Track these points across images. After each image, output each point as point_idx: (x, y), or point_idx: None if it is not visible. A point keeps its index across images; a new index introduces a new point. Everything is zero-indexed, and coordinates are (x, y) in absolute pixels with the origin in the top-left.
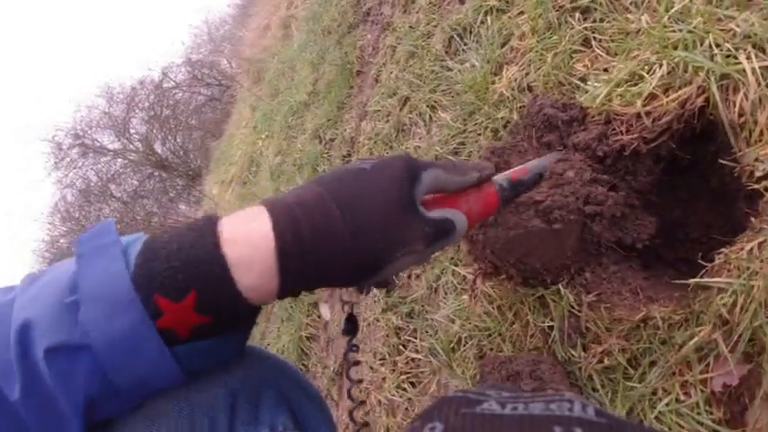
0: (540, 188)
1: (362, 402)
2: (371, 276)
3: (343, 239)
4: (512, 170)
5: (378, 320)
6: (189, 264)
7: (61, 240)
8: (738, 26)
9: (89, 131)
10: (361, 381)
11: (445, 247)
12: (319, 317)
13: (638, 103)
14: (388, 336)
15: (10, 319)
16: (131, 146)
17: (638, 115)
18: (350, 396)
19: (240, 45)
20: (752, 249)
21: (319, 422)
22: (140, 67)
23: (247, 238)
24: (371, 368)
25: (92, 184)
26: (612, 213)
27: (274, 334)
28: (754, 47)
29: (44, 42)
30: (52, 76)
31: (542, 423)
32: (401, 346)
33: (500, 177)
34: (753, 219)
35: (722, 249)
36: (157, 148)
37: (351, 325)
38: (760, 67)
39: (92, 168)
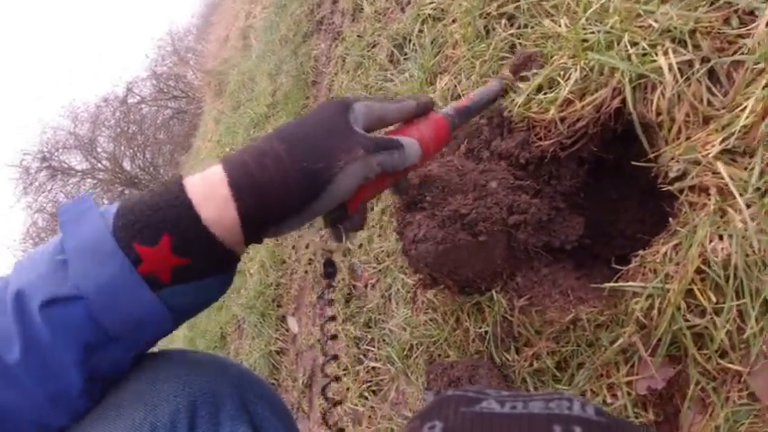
0: (465, 200)
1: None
2: (323, 191)
3: (284, 164)
4: (457, 102)
5: (338, 332)
6: (158, 209)
7: None
8: (657, 21)
9: (56, 153)
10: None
11: (398, 163)
12: (287, 330)
13: (553, 109)
14: (348, 346)
15: (6, 294)
16: (99, 165)
17: (554, 121)
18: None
19: (202, 57)
20: (666, 252)
21: None
22: (105, 84)
23: (203, 179)
24: (336, 378)
25: None
26: (538, 220)
27: (246, 350)
28: (673, 41)
29: (5, 63)
30: (15, 99)
31: (542, 422)
32: (362, 356)
33: (446, 108)
34: (670, 220)
35: (638, 252)
36: (126, 165)
37: (331, 268)
38: (678, 63)
39: (61, 191)
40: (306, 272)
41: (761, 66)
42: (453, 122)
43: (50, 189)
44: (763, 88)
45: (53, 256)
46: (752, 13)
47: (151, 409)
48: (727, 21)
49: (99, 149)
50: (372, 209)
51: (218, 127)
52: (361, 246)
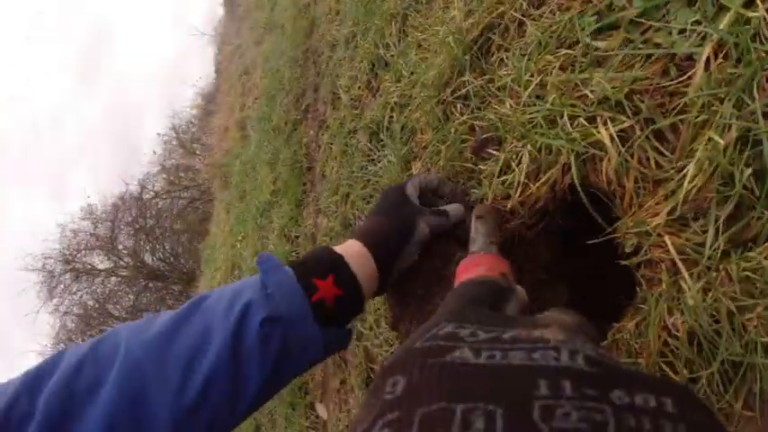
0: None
1: None
2: (411, 236)
3: (386, 225)
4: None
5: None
6: (325, 260)
7: None
8: (593, 90)
9: (78, 255)
10: None
11: (447, 225)
12: (317, 417)
13: (513, 195)
14: None
15: (236, 299)
16: (121, 262)
17: (515, 206)
18: None
19: (207, 149)
20: (632, 328)
21: None
22: (119, 184)
23: (344, 246)
24: None
25: (89, 308)
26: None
27: None
28: (610, 108)
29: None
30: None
31: (524, 375)
32: None
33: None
34: (638, 290)
35: (614, 324)
36: (147, 259)
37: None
38: (618, 131)
39: (87, 291)
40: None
41: (703, 117)
42: None
43: (76, 290)
44: (706, 143)
45: (262, 290)
46: (690, 58)
47: None
48: (665, 72)
49: (120, 247)
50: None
51: (229, 216)
52: (371, 329)
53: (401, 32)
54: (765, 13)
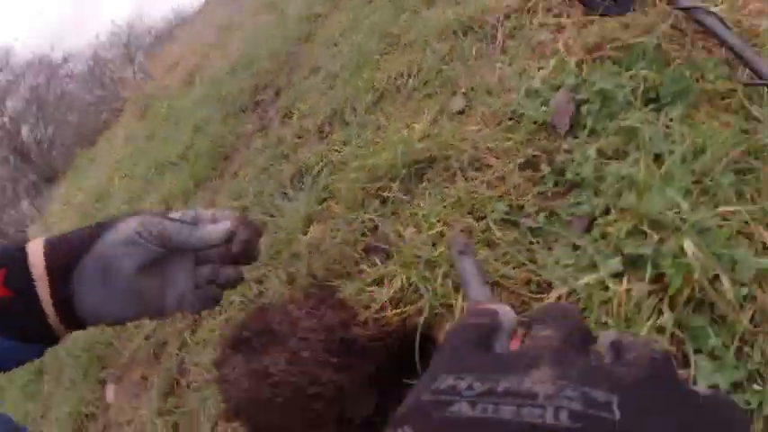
0: (279, 357)
1: None
2: (102, 233)
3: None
4: None
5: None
6: (4, 252)
7: None
8: None
9: None
10: None
11: (189, 238)
12: (102, 397)
13: (373, 308)
14: None
15: None
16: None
17: (368, 318)
18: None
19: (146, 72)
20: None
21: None
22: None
23: (33, 244)
24: None
25: None
26: (334, 394)
27: (59, 400)
28: None
29: None
30: None
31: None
32: None
33: None
34: None
35: None
36: (24, 132)
37: None
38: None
39: None
40: (140, 346)
41: None
42: None
43: None
44: None
45: None
46: (549, 285)
47: None
48: (528, 282)
49: (8, 104)
50: (215, 318)
51: (125, 146)
52: (197, 355)
53: (373, 105)
54: None
